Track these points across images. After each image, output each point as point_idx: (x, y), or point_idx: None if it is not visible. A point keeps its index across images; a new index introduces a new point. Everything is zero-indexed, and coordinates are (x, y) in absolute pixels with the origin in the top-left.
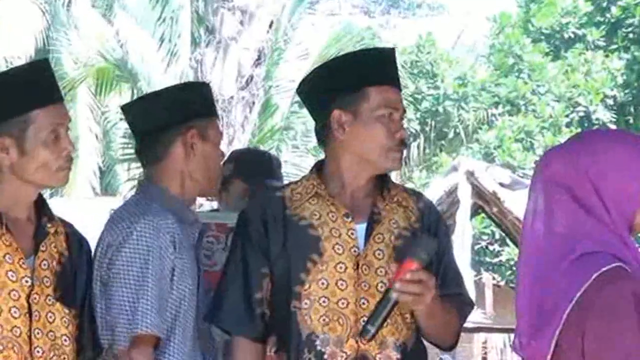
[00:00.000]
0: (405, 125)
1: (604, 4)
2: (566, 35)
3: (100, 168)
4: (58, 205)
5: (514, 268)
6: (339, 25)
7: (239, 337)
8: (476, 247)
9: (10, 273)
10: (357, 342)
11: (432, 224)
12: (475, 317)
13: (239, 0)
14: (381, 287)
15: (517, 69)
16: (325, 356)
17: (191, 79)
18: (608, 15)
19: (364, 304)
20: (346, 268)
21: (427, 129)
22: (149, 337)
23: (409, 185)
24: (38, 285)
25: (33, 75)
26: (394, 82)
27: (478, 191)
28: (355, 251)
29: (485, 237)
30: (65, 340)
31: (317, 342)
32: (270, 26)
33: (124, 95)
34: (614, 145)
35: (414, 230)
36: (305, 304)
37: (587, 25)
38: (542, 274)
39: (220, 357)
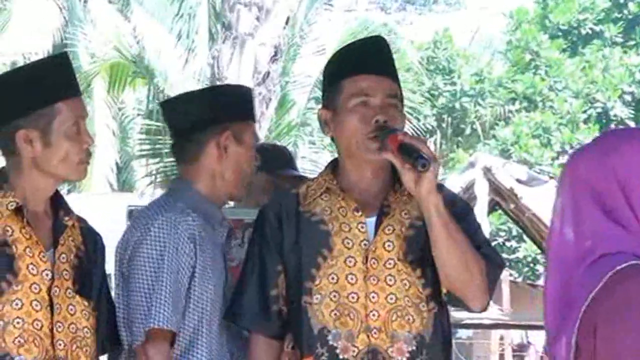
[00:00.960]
0: (421, 122)
1: (622, 0)
2: (584, 32)
3: (117, 164)
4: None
5: (531, 265)
6: (355, 21)
7: (256, 335)
8: (493, 243)
9: (31, 266)
10: (368, 336)
11: (451, 205)
12: (492, 314)
13: None
14: (390, 280)
15: (534, 65)
16: (338, 351)
17: (208, 75)
18: (625, 11)
19: (373, 297)
20: (355, 262)
21: (444, 125)
22: (164, 333)
23: None
24: (58, 279)
25: (55, 69)
26: (371, 70)
27: (495, 187)
28: (364, 245)
29: (502, 234)
30: (86, 332)
31: (329, 337)
32: (287, 22)
33: (140, 91)
34: None
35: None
36: (317, 299)
37: (605, 21)
38: (564, 276)
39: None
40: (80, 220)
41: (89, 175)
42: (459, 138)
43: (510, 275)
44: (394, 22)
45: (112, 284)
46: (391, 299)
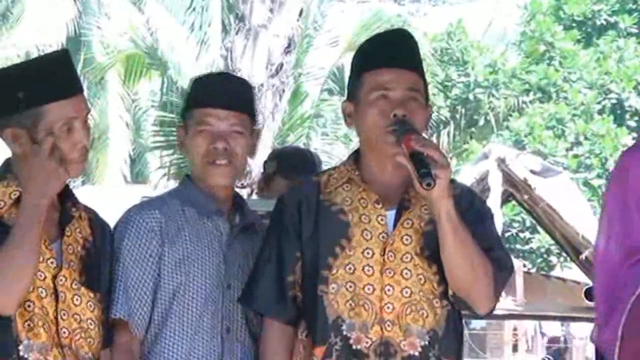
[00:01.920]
0: (434, 113)
1: None
2: (598, 23)
3: (130, 156)
4: (89, 193)
5: (545, 255)
6: (369, 13)
7: (270, 320)
8: (507, 234)
9: None
10: (381, 328)
11: (468, 207)
12: (505, 304)
13: None
14: (406, 274)
15: (548, 56)
16: (351, 341)
17: (221, 67)
18: None
19: (389, 290)
20: (373, 254)
21: (458, 116)
22: (122, 322)
23: None
24: (66, 269)
25: (50, 68)
26: (393, 63)
27: (509, 178)
28: (383, 237)
29: (515, 225)
30: (90, 323)
31: (344, 327)
32: (300, 14)
33: (154, 83)
34: None
35: None
36: (333, 288)
37: (620, 12)
38: (612, 270)
39: None
40: (89, 211)
41: (102, 167)
42: (473, 129)
43: (524, 266)
44: (407, 13)
45: None
46: (406, 292)
